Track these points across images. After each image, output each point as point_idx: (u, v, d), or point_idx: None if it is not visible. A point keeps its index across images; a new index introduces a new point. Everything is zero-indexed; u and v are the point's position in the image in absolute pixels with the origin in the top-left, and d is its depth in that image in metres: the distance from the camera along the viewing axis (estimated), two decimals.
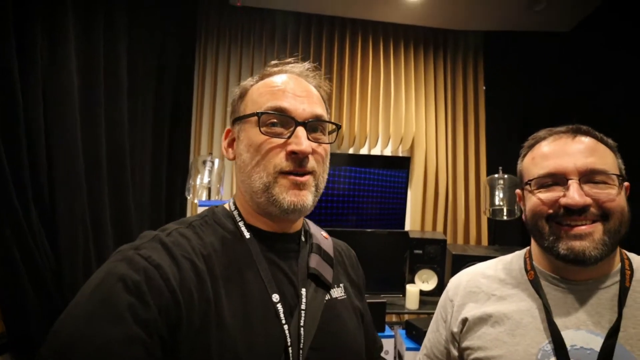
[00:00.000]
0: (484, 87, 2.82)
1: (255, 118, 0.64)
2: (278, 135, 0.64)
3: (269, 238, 0.68)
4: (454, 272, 2.01)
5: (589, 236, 0.70)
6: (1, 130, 1.24)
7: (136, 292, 0.52)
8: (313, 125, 0.66)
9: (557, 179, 0.73)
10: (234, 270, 0.61)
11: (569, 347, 0.70)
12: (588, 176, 0.71)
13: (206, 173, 2.34)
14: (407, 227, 2.72)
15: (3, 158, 1.22)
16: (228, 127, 0.72)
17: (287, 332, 0.60)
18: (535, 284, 0.79)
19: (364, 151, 2.77)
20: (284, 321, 0.60)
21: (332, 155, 2.79)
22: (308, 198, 0.65)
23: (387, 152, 2.80)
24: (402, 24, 2.72)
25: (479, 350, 0.79)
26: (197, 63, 2.58)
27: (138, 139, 2.08)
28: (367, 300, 1.64)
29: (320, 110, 0.68)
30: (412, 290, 2.01)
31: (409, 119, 2.74)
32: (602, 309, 0.72)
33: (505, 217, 2.16)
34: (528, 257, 0.84)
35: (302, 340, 0.60)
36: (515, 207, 2.14)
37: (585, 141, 0.75)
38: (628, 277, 0.74)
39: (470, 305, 0.84)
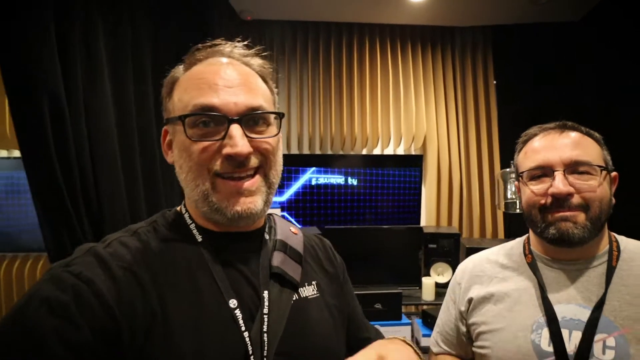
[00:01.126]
0: (495, 82, 2.86)
1: (180, 120, 0.57)
2: (210, 137, 0.57)
3: (224, 239, 0.62)
4: None
5: (573, 219, 0.79)
6: (53, 138, 1.38)
7: (63, 314, 0.47)
8: (252, 117, 0.59)
9: (545, 171, 0.83)
10: (184, 277, 0.57)
11: (560, 319, 0.79)
12: (572, 167, 0.80)
13: None
14: (423, 223, 2.80)
15: (56, 167, 1.37)
16: (165, 127, 0.64)
17: (247, 339, 0.55)
18: (533, 266, 0.88)
19: (377, 151, 2.86)
20: (243, 328, 0.56)
21: (346, 157, 2.88)
22: (257, 203, 0.59)
23: (400, 151, 2.87)
24: (409, 24, 2.80)
25: (482, 324, 0.89)
26: None
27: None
28: (384, 291, 1.74)
29: (258, 99, 0.60)
30: (428, 283, 2.10)
31: (420, 118, 2.82)
32: (591, 286, 0.81)
33: (518, 211, 2.21)
34: (527, 243, 0.94)
35: (265, 347, 0.56)
36: None
37: (571, 135, 0.84)
38: (615, 257, 0.82)
39: (476, 287, 0.94)
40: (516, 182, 0.94)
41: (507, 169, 2.27)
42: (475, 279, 0.95)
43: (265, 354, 0.56)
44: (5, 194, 2.39)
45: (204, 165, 0.57)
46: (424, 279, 2.12)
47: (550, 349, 0.77)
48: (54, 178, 1.38)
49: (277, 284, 0.63)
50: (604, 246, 0.84)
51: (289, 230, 0.72)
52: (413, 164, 2.74)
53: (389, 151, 2.87)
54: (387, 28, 2.82)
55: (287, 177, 2.64)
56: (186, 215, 0.64)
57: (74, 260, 0.53)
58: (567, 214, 0.79)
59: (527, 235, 0.96)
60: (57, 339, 0.46)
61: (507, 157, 2.59)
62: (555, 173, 0.81)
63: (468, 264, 1.01)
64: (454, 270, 2.20)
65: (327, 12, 2.63)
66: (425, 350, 1.63)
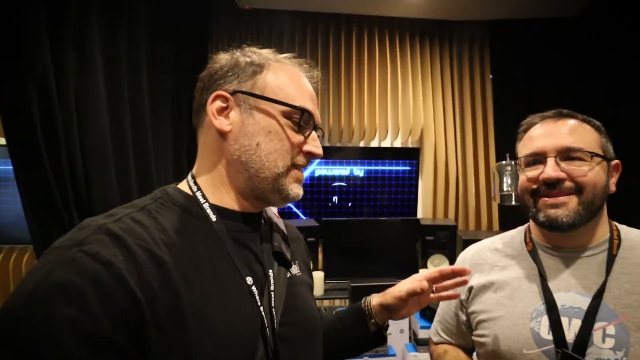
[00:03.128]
0: (491, 76, 2.85)
1: (284, 108, 0.64)
2: (299, 132, 0.65)
3: (236, 218, 0.65)
4: None
5: (564, 205, 0.79)
6: (41, 126, 1.33)
7: (80, 302, 0.44)
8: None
9: (539, 157, 0.83)
10: (204, 255, 0.58)
11: (559, 307, 0.79)
12: (565, 154, 0.80)
13: None
14: (419, 215, 2.80)
15: (44, 156, 1.33)
16: (218, 91, 0.64)
17: (262, 312, 0.60)
18: (533, 254, 0.88)
19: (374, 144, 2.84)
20: (259, 302, 0.60)
21: (344, 149, 2.89)
22: (302, 191, 0.69)
23: (397, 144, 2.87)
24: (407, 17, 2.77)
25: (482, 313, 0.88)
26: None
27: (160, 143, 2.18)
28: (381, 283, 1.73)
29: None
30: None
31: (417, 111, 2.81)
32: (590, 274, 0.80)
33: (513, 203, 2.21)
34: (528, 231, 0.93)
35: (275, 320, 0.61)
36: None
37: (567, 123, 0.84)
38: (616, 245, 0.81)
39: (476, 276, 0.93)
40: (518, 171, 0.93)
41: (503, 162, 2.27)
42: (476, 268, 0.95)
43: (275, 326, 0.61)
44: None
45: (289, 152, 0.64)
46: (421, 271, 2.11)
47: (550, 337, 0.77)
48: (41, 167, 1.34)
49: (276, 262, 0.68)
50: (604, 234, 0.84)
51: (275, 214, 0.79)
52: (410, 156, 2.73)
53: (386, 144, 2.85)
54: (386, 21, 2.80)
55: None
56: (199, 194, 0.64)
57: (87, 238, 0.49)
58: (558, 199, 0.79)
59: (527, 224, 0.96)
60: (71, 331, 0.43)
61: (503, 150, 2.59)
62: (547, 159, 0.81)
63: (468, 253, 1.00)
64: (450, 262, 2.21)
65: (326, 2, 2.60)
66: (425, 342, 1.64)
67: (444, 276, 0.80)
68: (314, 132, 0.67)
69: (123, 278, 0.47)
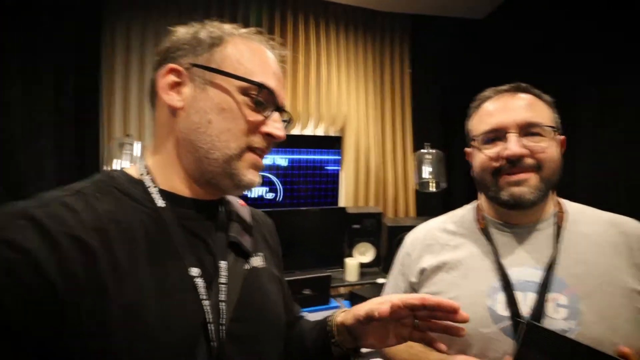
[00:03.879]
0: (410, 70, 2.96)
1: (241, 83, 0.58)
2: (258, 112, 0.60)
3: (187, 206, 0.61)
4: (390, 243, 2.12)
5: (526, 182, 0.78)
6: None
7: None
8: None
9: (498, 134, 0.81)
10: (142, 243, 0.53)
11: (514, 282, 0.78)
12: (526, 129, 0.79)
13: (126, 157, 2.14)
14: (341, 204, 2.79)
15: None
16: (171, 64, 0.60)
17: (206, 307, 0.55)
18: (486, 232, 0.87)
19: (295, 132, 2.75)
20: (203, 296, 0.55)
21: None
22: (261, 178, 0.64)
23: (320, 132, 2.82)
24: (333, 1, 2.73)
25: (437, 294, 0.84)
26: (104, 38, 2.31)
27: (35, 125, 1.81)
28: (311, 275, 1.66)
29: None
30: (352, 264, 2.08)
31: (340, 100, 2.79)
32: (541, 247, 0.81)
33: (433, 189, 2.32)
34: (479, 209, 0.92)
35: (223, 315, 0.56)
36: (442, 180, 2.31)
37: (524, 97, 0.83)
38: (562, 218, 0.84)
39: (427, 257, 0.90)
40: (467, 149, 0.91)
41: (422, 150, 2.36)
42: (426, 249, 0.92)
43: (222, 322, 0.56)
44: None
45: (245, 133, 0.59)
46: (348, 260, 2.09)
47: (507, 313, 0.76)
48: None
49: (233, 253, 0.64)
50: (552, 208, 0.86)
51: (238, 202, 0.73)
52: (332, 145, 2.70)
53: (308, 132, 2.78)
54: (312, 4, 2.71)
55: None
56: (147, 178, 0.60)
57: (4, 224, 0.45)
58: (521, 176, 0.79)
59: (476, 202, 0.95)
60: None
61: (420, 139, 2.72)
62: (508, 135, 0.79)
63: (418, 234, 0.97)
64: (376, 250, 2.24)
65: None
66: None
67: (428, 307, 0.59)
68: (276, 113, 0.62)
69: (40, 268, 0.44)
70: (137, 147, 2.13)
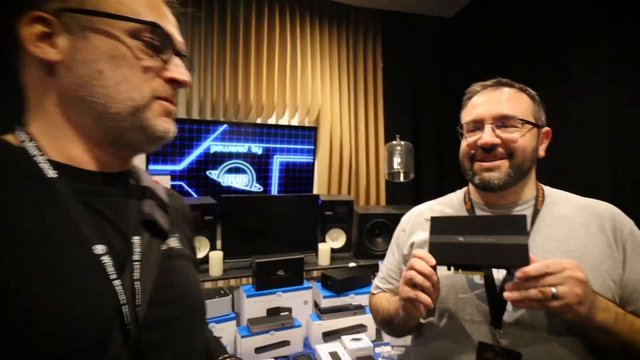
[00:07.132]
0: (382, 64, 3.07)
1: (129, 24, 0.51)
2: (155, 56, 0.54)
3: (90, 180, 0.54)
4: (360, 229, 2.24)
5: (497, 169, 0.89)
6: None
7: None
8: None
9: (478, 124, 0.92)
10: (30, 220, 0.46)
11: None
12: (500, 121, 0.90)
13: None
14: (315, 192, 2.89)
15: None
16: (35, 12, 0.49)
17: (117, 287, 0.48)
18: (471, 212, 0.99)
19: (271, 121, 2.81)
20: (113, 276, 0.49)
21: (241, 124, 2.78)
22: (175, 126, 0.58)
23: (294, 122, 2.89)
24: None
25: None
26: None
27: None
28: (285, 257, 1.74)
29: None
30: (324, 249, 2.18)
31: (315, 91, 2.86)
32: None
33: (402, 179, 2.44)
34: (467, 193, 1.04)
35: (138, 296, 0.50)
36: (410, 170, 2.44)
37: (505, 91, 0.93)
38: (540, 202, 0.94)
39: (418, 233, 1.03)
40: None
41: (393, 142, 2.48)
42: (418, 226, 1.04)
43: (138, 303, 0.50)
44: None
45: (146, 81, 0.53)
46: (320, 245, 2.19)
47: (481, 281, 0.88)
48: None
49: (148, 232, 0.58)
50: (531, 192, 0.95)
51: (152, 179, 0.67)
52: (307, 135, 2.78)
53: (283, 122, 2.84)
54: None
55: (183, 145, 2.42)
56: (30, 145, 0.50)
57: None
58: (492, 164, 0.89)
59: (467, 187, 1.06)
60: None
61: (391, 131, 2.84)
62: (485, 126, 0.90)
63: (413, 212, 1.10)
64: (347, 236, 2.35)
65: None
66: (327, 311, 1.72)
67: None
68: (176, 57, 0.56)
69: None
70: None
